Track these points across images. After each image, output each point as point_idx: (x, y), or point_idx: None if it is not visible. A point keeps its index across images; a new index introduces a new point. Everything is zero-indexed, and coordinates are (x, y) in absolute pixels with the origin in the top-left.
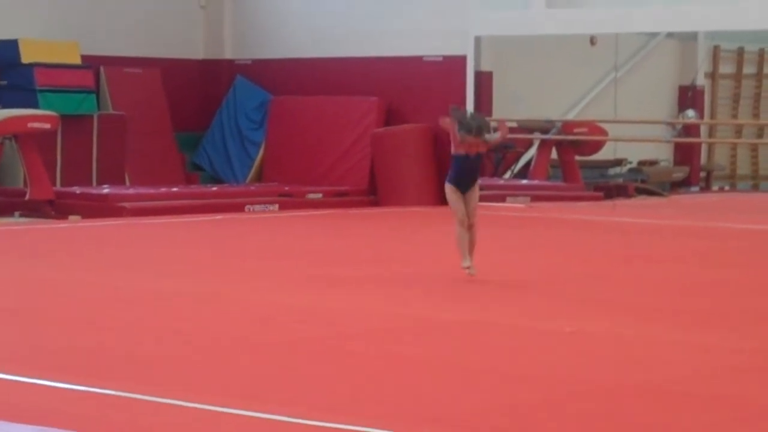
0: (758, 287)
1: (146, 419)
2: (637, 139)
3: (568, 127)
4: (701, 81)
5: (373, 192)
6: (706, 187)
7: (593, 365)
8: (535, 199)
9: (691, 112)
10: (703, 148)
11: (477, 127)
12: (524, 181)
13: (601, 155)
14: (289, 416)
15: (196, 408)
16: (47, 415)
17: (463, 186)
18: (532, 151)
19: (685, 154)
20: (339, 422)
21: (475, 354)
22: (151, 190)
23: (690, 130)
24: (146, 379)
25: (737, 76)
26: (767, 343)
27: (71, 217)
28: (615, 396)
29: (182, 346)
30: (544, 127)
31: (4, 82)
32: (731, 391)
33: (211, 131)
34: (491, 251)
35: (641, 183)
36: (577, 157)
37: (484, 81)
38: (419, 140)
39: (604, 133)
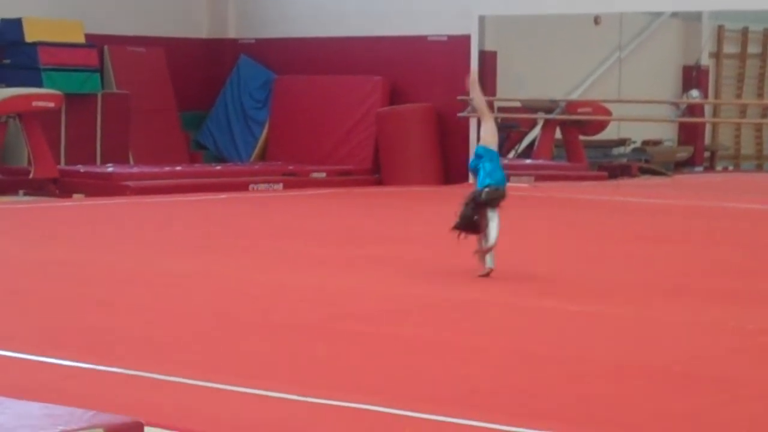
0: (762, 267)
1: (149, 397)
2: (641, 118)
3: (572, 106)
4: (705, 61)
5: (377, 171)
6: (710, 167)
7: (594, 345)
8: (539, 178)
9: (695, 92)
10: (707, 128)
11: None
12: (528, 161)
13: (604, 135)
14: (291, 394)
15: (198, 386)
16: (52, 392)
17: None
18: (536, 131)
19: (689, 134)
20: (339, 400)
21: (477, 333)
22: (155, 169)
23: (694, 110)
24: (148, 357)
25: (742, 56)
26: (767, 324)
27: (75, 196)
28: (615, 377)
29: (185, 325)
30: (548, 107)
31: (8, 61)
32: (732, 372)
33: (215, 110)
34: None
35: (645, 163)
36: (581, 137)
37: (488, 60)
38: (423, 120)
39: (608, 112)
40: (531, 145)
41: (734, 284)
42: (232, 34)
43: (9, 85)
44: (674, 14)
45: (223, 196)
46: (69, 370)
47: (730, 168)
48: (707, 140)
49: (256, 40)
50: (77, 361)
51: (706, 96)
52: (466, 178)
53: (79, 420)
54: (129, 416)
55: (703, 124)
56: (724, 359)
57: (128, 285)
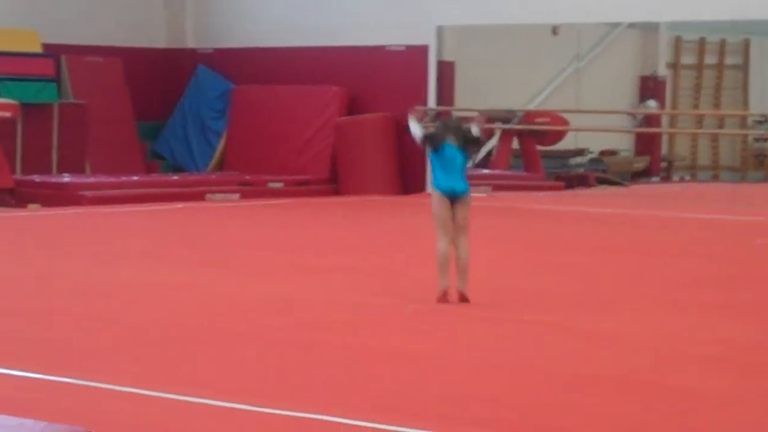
0: (718, 277)
1: (99, 407)
2: (599, 129)
3: (529, 116)
4: (663, 71)
5: (335, 181)
6: (667, 177)
7: (553, 355)
8: (497, 188)
9: (652, 103)
10: (664, 139)
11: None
12: (485, 171)
13: (562, 145)
14: (242, 404)
15: (149, 395)
16: (1, 403)
17: (453, 192)
18: (494, 141)
19: (646, 144)
20: (293, 410)
21: (434, 342)
22: (112, 179)
23: (651, 120)
24: (100, 367)
25: (699, 67)
26: (726, 334)
27: (31, 206)
28: (574, 386)
29: (137, 335)
30: (506, 117)
31: None
32: (690, 382)
33: (172, 120)
34: None
35: (602, 173)
36: (539, 147)
37: (446, 70)
38: (381, 129)
39: (565, 123)
40: (489, 155)
41: (689, 294)
42: (190, 43)
43: None
44: (632, 25)
45: (179, 206)
46: (19, 381)
47: (687, 178)
48: (664, 150)
49: (215, 49)
50: (27, 372)
51: (663, 106)
52: (423, 188)
53: (30, 431)
54: (80, 426)
55: (660, 135)
56: (681, 369)
57: (81, 295)
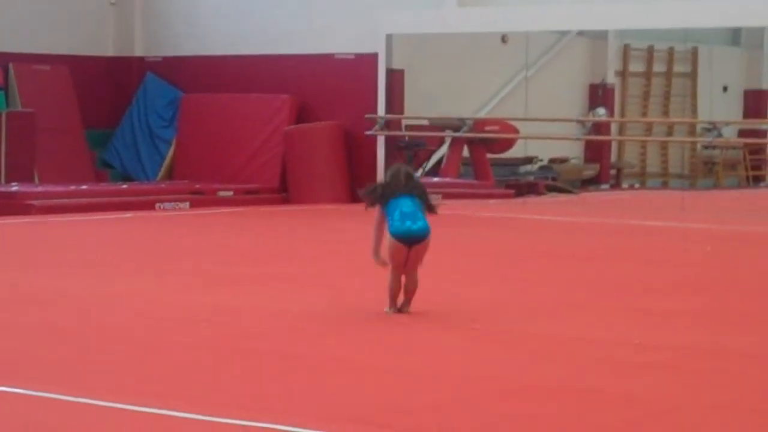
0: (667, 284)
1: (44, 417)
2: (548, 136)
3: (479, 125)
4: (611, 79)
5: (285, 189)
6: (617, 185)
7: (501, 364)
8: (447, 196)
9: (601, 110)
10: (614, 146)
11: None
12: (436, 179)
13: (512, 153)
14: (192, 413)
15: (97, 405)
16: None
17: (411, 240)
18: (444, 149)
19: (595, 151)
20: (238, 418)
21: (380, 352)
22: (60, 188)
23: (600, 128)
24: (48, 378)
25: (647, 75)
26: (673, 340)
27: None
28: (522, 395)
29: (83, 346)
30: (456, 125)
31: None
32: (638, 389)
33: (121, 129)
34: None
35: (552, 181)
36: (489, 155)
37: (395, 79)
38: (331, 138)
39: (515, 131)
40: (439, 163)
41: (639, 301)
42: (138, 52)
43: None
44: (580, 33)
45: (129, 215)
46: None
47: (636, 185)
48: (613, 158)
49: (163, 58)
50: None
51: (612, 114)
52: None
53: None
54: None
55: (609, 142)
56: (630, 376)
57: (29, 305)
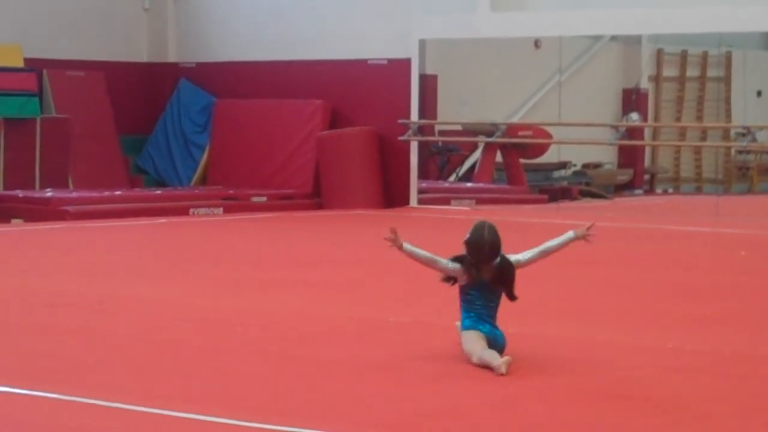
0: (700, 289)
1: (82, 422)
2: (582, 141)
3: (512, 130)
4: (645, 84)
5: (318, 195)
6: (650, 190)
7: (529, 368)
8: (480, 202)
9: (634, 115)
10: (647, 151)
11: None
12: (469, 184)
13: (545, 158)
14: (227, 418)
15: (132, 410)
16: None
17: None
18: (477, 154)
19: (628, 157)
20: (275, 424)
21: (415, 356)
22: (95, 194)
23: (634, 133)
24: (83, 382)
25: (681, 79)
26: (706, 345)
27: (14, 221)
28: (554, 399)
29: (122, 350)
30: (489, 130)
31: None
32: (671, 393)
33: (155, 134)
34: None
35: (585, 186)
36: (522, 160)
37: (428, 84)
38: (364, 143)
39: (548, 136)
40: (472, 168)
41: (673, 306)
42: (172, 58)
43: None
44: (614, 38)
45: (162, 220)
46: (2, 396)
47: (670, 190)
48: (647, 163)
49: (197, 64)
50: (11, 387)
51: (645, 119)
52: (406, 201)
53: None
54: None
55: (643, 147)
56: (662, 381)
57: (65, 310)
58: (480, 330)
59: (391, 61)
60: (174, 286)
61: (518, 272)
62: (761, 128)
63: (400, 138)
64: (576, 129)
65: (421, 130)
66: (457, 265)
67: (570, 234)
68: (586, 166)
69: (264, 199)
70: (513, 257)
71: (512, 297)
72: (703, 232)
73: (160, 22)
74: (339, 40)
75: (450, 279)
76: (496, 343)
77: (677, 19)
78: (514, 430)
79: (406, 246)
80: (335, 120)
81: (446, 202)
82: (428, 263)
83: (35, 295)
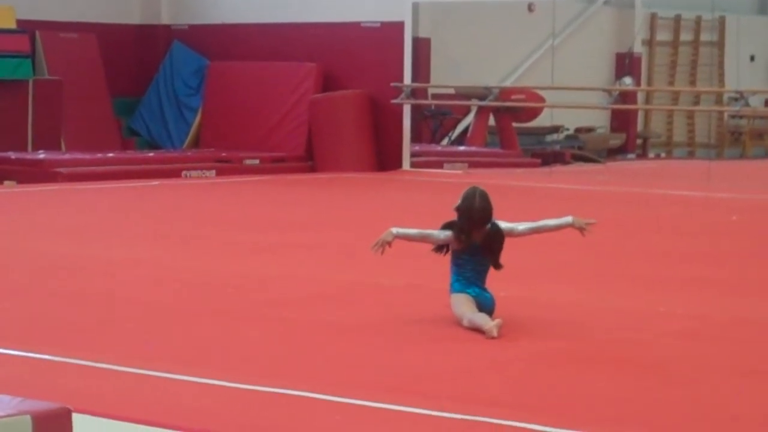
0: (692, 253)
1: (77, 383)
2: (574, 105)
3: (505, 93)
4: (638, 48)
5: (310, 158)
6: (643, 154)
7: (520, 331)
8: (473, 165)
9: (628, 80)
10: (640, 116)
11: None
12: (462, 148)
13: (538, 122)
14: (223, 380)
15: (127, 372)
16: None
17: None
18: (470, 118)
19: (621, 121)
20: (270, 386)
21: (408, 319)
22: (87, 156)
23: (627, 97)
24: (77, 344)
25: (674, 44)
26: (697, 309)
27: (6, 183)
28: (548, 361)
29: (114, 312)
30: (482, 94)
31: None
32: (662, 356)
33: (147, 97)
34: (426, 217)
35: (578, 150)
36: (515, 124)
37: (421, 47)
38: (357, 106)
39: (541, 100)
40: (464, 132)
41: (664, 270)
42: (165, 20)
43: None
44: (607, 2)
45: (155, 182)
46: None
47: (663, 155)
48: (640, 127)
49: (189, 26)
50: (4, 348)
51: (638, 83)
52: (399, 165)
53: (6, 407)
54: (57, 402)
55: (636, 112)
56: (653, 344)
57: (56, 272)
58: (468, 293)
59: (384, 24)
60: (166, 249)
61: (509, 239)
62: (754, 93)
63: (393, 101)
64: (569, 93)
65: (414, 93)
66: (448, 232)
67: (568, 219)
68: (578, 130)
69: (257, 161)
70: (507, 225)
71: (497, 266)
72: (695, 196)
73: None
74: (332, 3)
75: (441, 248)
76: (484, 305)
77: None
78: (505, 392)
79: (397, 232)
80: (328, 83)
81: (439, 165)
82: (422, 240)
83: (26, 257)
